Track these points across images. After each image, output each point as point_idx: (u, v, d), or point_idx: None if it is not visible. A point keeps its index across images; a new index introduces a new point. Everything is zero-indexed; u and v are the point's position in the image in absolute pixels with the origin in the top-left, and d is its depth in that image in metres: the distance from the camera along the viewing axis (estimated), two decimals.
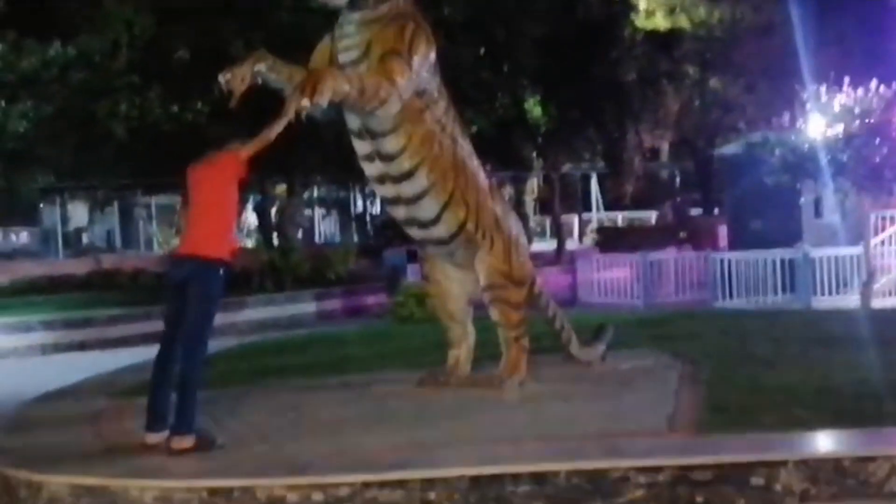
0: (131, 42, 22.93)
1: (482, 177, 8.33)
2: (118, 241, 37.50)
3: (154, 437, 6.90)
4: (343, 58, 7.56)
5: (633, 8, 29.38)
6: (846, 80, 19.76)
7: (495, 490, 5.88)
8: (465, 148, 8.17)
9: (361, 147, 7.80)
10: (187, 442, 6.74)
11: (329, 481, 5.94)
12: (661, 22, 29.30)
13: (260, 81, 7.43)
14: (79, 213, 38.84)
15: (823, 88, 20.05)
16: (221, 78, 7.29)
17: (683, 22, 29.44)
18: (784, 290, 18.56)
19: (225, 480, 6.07)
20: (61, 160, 19.41)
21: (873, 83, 19.54)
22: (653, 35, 29.76)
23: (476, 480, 5.89)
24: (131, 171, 28.68)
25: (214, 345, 7.21)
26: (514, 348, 8.33)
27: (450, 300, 8.61)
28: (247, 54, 7.82)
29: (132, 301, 19.70)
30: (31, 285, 24.16)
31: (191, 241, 7.05)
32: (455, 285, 8.55)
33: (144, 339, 16.60)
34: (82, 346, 17.27)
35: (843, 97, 19.60)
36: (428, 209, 7.91)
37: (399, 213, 8.09)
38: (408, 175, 7.73)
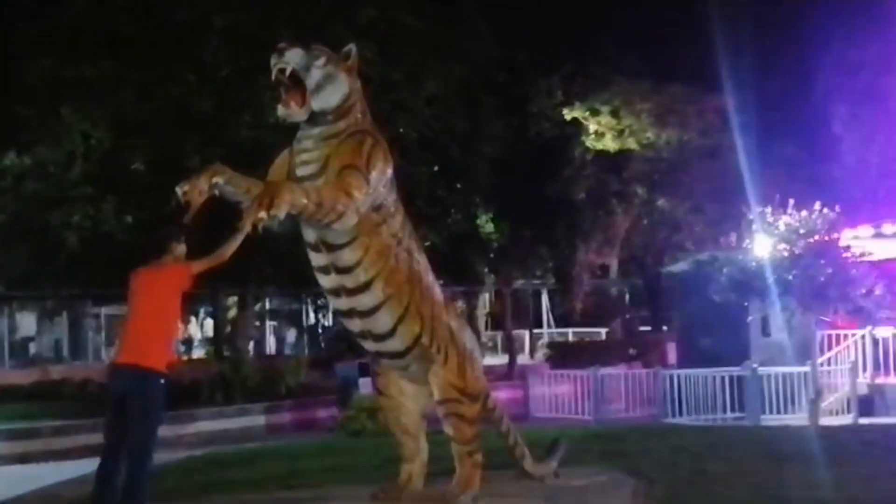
0: (87, 153, 23.08)
1: (438, 291, 8.39)
2: (66, 352, 36.97)
3: None
4: (301, 171, 7.66)
5: (584, 129, 30.07)
6: (791, 202, 20.31)
7: None
8: (421, 262, 8.24)
9: (317, 259, 7.84)
10: None
11: None
12: (610, 143, 29.97)
13: (217, 193, 7.50)
14: (27, 322, 38.27)
15: (769, 209, 20.58)
16: (179, 190, 7.34)
17: (632, 144, 30.13)
18: (733, 407, 18.69)
19: None
20: (12, 269, 19.27)
21: (817, 205, 20.09)
22: (602, 155, 30.42)
23: None
24: (83, 280, 28.46)
25: (162, 458, 7.13)
26: (467, 463, 8.28)
27: (403, 414, 8.57)
28: (204, 167, 7.89)
29: (79, 412, 19.37)
30: None
31: (130, 350, 7.02)
32: (409, 399, 8.52)
33: (91, 450, 16.24)
34: (24, 459, 16.89)
35: (788, 218, 20.11)
36: (383, 322, 7.93)
37: (354, 325, 8.09)
38: (363, 287, 7.77)
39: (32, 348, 37.45)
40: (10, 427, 18.08)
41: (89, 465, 12.36)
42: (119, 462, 6.92)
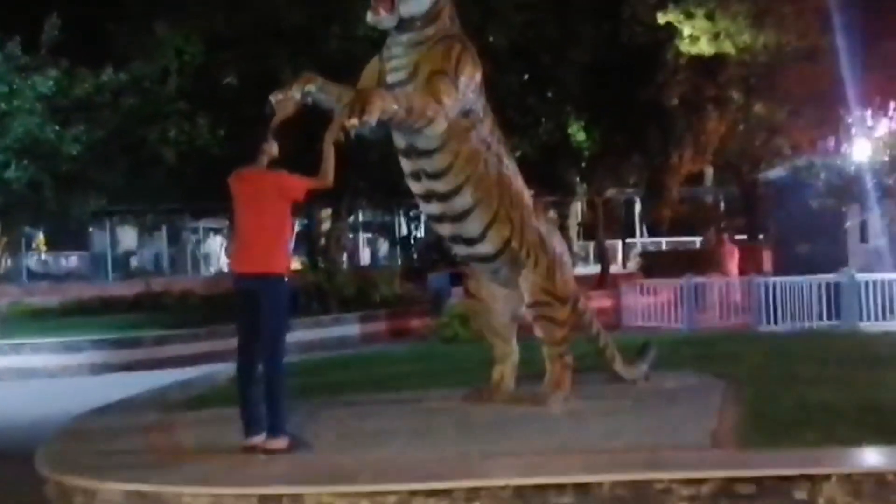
0: (181, 69, 23.43)
1: (527, 195, 8.45)
2: (166, 265, 37.99)
3: (255, 439, 7.23)
4: (391, 78, 7.73)
5: (678, 33, 29.39)
6: (892, 104, 19.73)
7: (539, 500, 5.95)
8: (510, 167, 8.29)
9: (408, 165, 7.95)
10: (282, 443, 7.11)
11: (376, 489, 6.05)
12: (705, 47, 29.22)
13: (310, 102, 7.62)
14: (128, 236, 39.39)
15: (869, 113, 20.03)
16: (272, 98, 7.50)
17: (728, 47, 29.34)
18: (829, 314, 18.45)
19: (274, 488, 6.20)
20: (113, 184, 19.79)
21: None
22: (697, 60, 29.76)
23: (520, 490, 5.97)
24: (180, 195, 29.13)
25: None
26: (557, 364, 8.42)
27: (494, 317, 8.72)
28: (296, 76, 8.00)
29: (179, 323, 19.98)
30: (82, 306, 24.59)
31: (248, 259, 7.24)
32: (500, 302, 8.67)
33: (190, 359, 16.88)
34: (131, 366, 17.52)
35: (889, 121, 19.58)
36: (473, 226, 8.04)
37: (445, 230, 8.22)
38: (453, 192, 7.86)
39: (134, 262, 38.58)
40: (115, 336, 18.73)
41: (190, 373, 12.88)
42: (255, 358, 7.25)
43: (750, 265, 26.99)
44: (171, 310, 23.70)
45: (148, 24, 23.73)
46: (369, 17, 7.66)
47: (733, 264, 22.79)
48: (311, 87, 7.54)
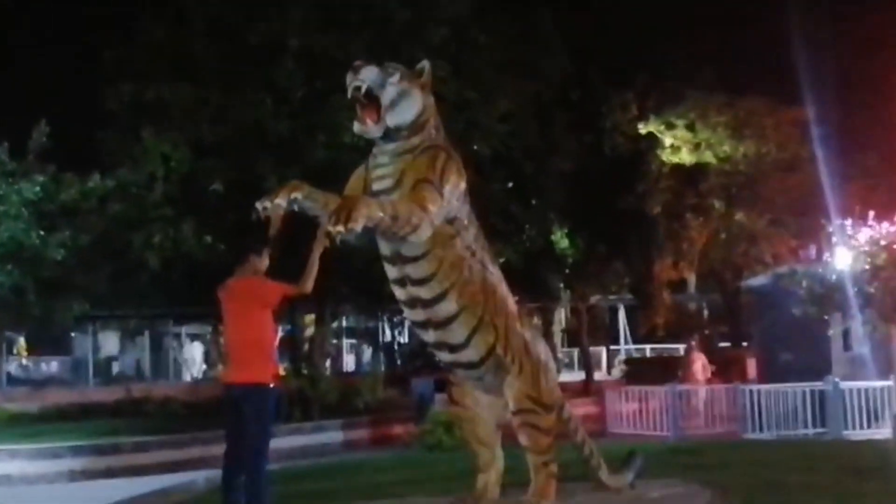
0: (167, 175, 23.56)
1: (511, 302, 8.45)
2: (148, 370, 37.72)
3: None
4: (377, 186, 7.80)
5: (659, 143, 29.93)
6: (871, 213, 20.01)
7: None
8: (495, 273, 8.32)
9: (393, 272, 7.96)
10: None
11: None
12: (686, 157, 29.78)
13: (296, 209, 7.66)
14: (110, 341, 39.17)
15: (849, 222, 20.30)
16: (259, 206, 7.53)
17: (709, 157, 29.89)
18: (814, 422, 18.42)
19: None
20: (96, 289, 19.80)
21: None
22: (678, 169, 30.23)
23: None
24: (163, 300, 29.07)
25: None
26: (542, 474, 8.32)
27: (479, 425, 8.64)
28: (282, 184, 8.06)
29: (161, 428, 19.77)
30: (61, 412, 24.32)
31: (236, 369, 7.28)
32: (484, 410, 8.59)
33: (172, 466, 16.65)
34: (110, 473, 17.26)
35: (869, 230, 19.82)
36: (458, 333, 8.02)
37: (429, 336, 8.19)
38: (438, 299, 7.86)
39: (115, 367, 38.28)
40: (95, 443, 18.49)
41: (170, 480, 12.71)
42: (241, 465, 7.20)
43: (734, 373, 26.99)
44: (151, 416, 23.47)
45: (135, 131, 23.93)
46: (356, 126, 7.76)
47: (699, 371, 22.80)
48: (297, 195, 7.58)
